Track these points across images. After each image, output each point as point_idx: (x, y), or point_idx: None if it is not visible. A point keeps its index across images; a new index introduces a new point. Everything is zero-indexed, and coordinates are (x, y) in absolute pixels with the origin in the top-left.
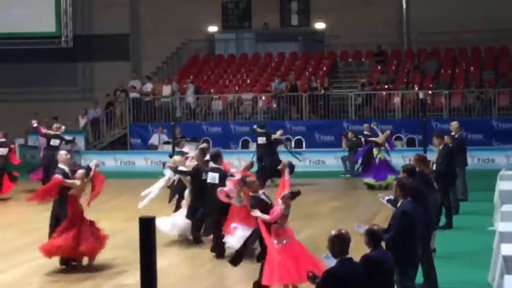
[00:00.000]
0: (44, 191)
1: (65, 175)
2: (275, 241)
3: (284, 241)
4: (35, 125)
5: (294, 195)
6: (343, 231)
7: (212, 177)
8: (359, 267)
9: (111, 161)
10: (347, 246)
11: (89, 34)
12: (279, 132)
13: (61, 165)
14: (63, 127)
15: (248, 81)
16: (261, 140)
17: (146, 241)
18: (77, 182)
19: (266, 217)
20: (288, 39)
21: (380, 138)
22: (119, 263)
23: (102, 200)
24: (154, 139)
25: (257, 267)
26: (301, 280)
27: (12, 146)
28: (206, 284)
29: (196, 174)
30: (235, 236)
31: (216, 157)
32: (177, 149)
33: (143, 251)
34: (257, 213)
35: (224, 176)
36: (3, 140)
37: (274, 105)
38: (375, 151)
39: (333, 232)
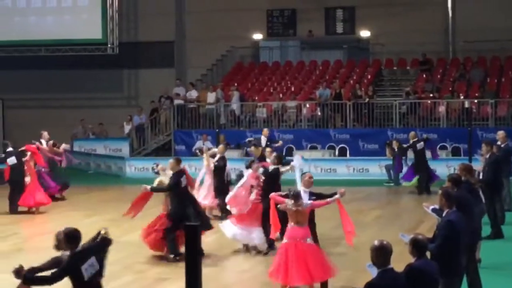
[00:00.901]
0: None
1: None
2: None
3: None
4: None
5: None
6: (384, 242)
7: None
8: (401, 278)
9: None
10: (388, 257)
11: (135, 41)
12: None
13: None
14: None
15: (293, 88)
16: None
17: (191, 248)
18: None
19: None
20: (332, 47)
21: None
22: (162, 270)
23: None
24: (198, 146)
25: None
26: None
27: (60, 150)
28: None
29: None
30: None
31: None
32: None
33: (189, 257)
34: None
35: None
36: (10, 149)
37: (319, 113)
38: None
39: (375, 243)
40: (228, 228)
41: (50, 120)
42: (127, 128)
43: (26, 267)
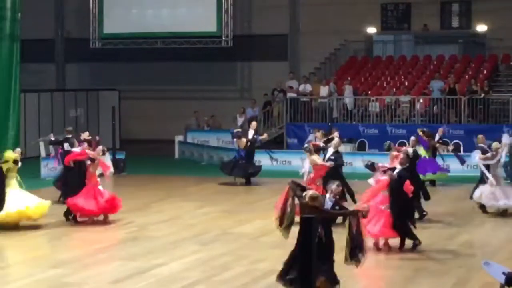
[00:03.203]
0: None
1: None
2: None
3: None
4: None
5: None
6: None
7: None
8: None
9: (267, 160)
10: None
11: (249, 34)
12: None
13: None
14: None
15: (406, 83)
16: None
17: (306, 239)
18: None
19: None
20: (447, 41)
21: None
22: (274, 262)
23: (257, 198)
24: (310, 139)
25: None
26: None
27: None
28: (358, 286)
29: None
30: None
31: None
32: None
33: (302, 249)
34: None
35: None
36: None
37: (435, 108)
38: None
39: None
40: None
41: (164, 112)
42: (240, 120)
43: (139, 255)
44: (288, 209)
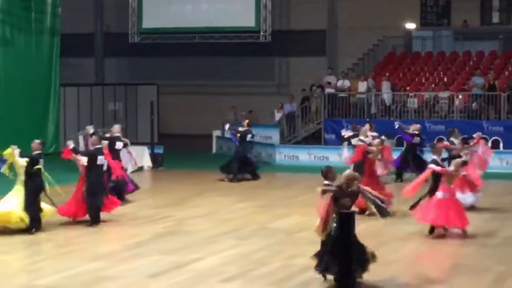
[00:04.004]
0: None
1: None
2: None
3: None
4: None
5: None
6: None
7: None
8: None
9: (305, 155)
10: None
11: (287, 30)
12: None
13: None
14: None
15: (445, 79)
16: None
17: (345, 235)
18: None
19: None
20: (488, 37)
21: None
22: (309, 259)
23: (295, 194)
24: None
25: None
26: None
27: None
28: (396, 283)
29: None
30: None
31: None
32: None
33: (341, 246)
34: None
35: None
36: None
37: (474, 104)
38: None
39: None
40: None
41: (202, 106)
42: (277, 115)
43: (177, 249)
44: (330, 221)
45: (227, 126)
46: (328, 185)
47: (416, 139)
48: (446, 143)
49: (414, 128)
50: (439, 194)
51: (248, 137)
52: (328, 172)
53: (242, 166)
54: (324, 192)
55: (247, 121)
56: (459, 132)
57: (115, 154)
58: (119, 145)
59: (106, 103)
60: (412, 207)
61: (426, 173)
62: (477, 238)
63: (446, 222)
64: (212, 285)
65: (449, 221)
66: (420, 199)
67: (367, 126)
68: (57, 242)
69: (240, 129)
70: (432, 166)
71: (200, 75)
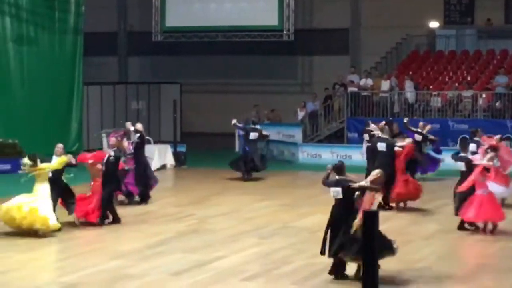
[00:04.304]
0: None
1: None
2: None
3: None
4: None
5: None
6: None
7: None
8: None
9: (328, 154)
10: None
11: (310, 28)
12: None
13: None
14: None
15: (469, 78)
16: (253, 135)
17: (369, 233)
18: None
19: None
20: None
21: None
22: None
23: (318, 192)
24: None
25: None
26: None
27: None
28: (419, 282)
29: None
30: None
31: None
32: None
33: (366, 244)
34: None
35: None
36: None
37: (498, 103)
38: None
39: None
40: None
41: (224, 105)
42: (300, 114)
43: (199, 248)
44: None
45: (233, 121)
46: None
47: (418, 137)
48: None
49: (421, 127)
50: (479, 191)
51: (251, 135)
52: (343, 168)
53: (248, 164)
54: (368, 188)
55: (253, 119)
56: (482, 131)
57: None
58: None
59: (129, 101)
60: (457, 210)
61: (478, 169)
62: (503, 236)
63: (487, 217)
64: (234, 283)
65: (491, 216)
66: (460, 201)
67: (383, 123)
68: (80, 241)
69: (241, 125)
70: (483, 162)
71: (223, 74)
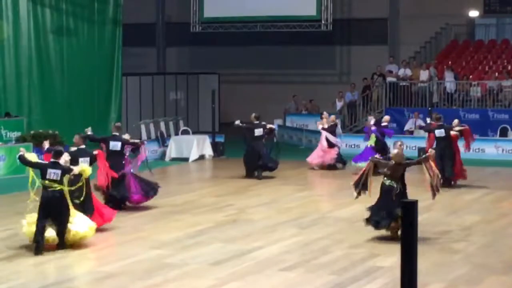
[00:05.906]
0: None
1: None
2: None
3: None
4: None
5: None
6: None
7: None
8: None
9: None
10: None
11: (348, 18)
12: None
13: None
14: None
15: (509, 67)
16: (258, 132)
17: (409, 225)
18: None
19: None
20: None
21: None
22: (374, 245)
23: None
24: (409, 124)
25: None
26: None
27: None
28: (458, 273)
29: None
30: None
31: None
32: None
33: (405, 234)
34: None
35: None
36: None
37: None
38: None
39: None
40: None
41: (263, 95)
42: (338, 104)
43: (238, 238)
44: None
45: (236, 122)
46: None
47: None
48: None
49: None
50: None
51: (256, 132)
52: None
53: (255, 162)
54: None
55: (254, 115)
56: None
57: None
58: (114, 145)
59: (168, 92)
60: None
61: None
62: (502, 239)
63: None
64: (273, 273)
65: None
66: None
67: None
68: (120, 230)
69: (242, 123)
70: None
71: (261, 64)
